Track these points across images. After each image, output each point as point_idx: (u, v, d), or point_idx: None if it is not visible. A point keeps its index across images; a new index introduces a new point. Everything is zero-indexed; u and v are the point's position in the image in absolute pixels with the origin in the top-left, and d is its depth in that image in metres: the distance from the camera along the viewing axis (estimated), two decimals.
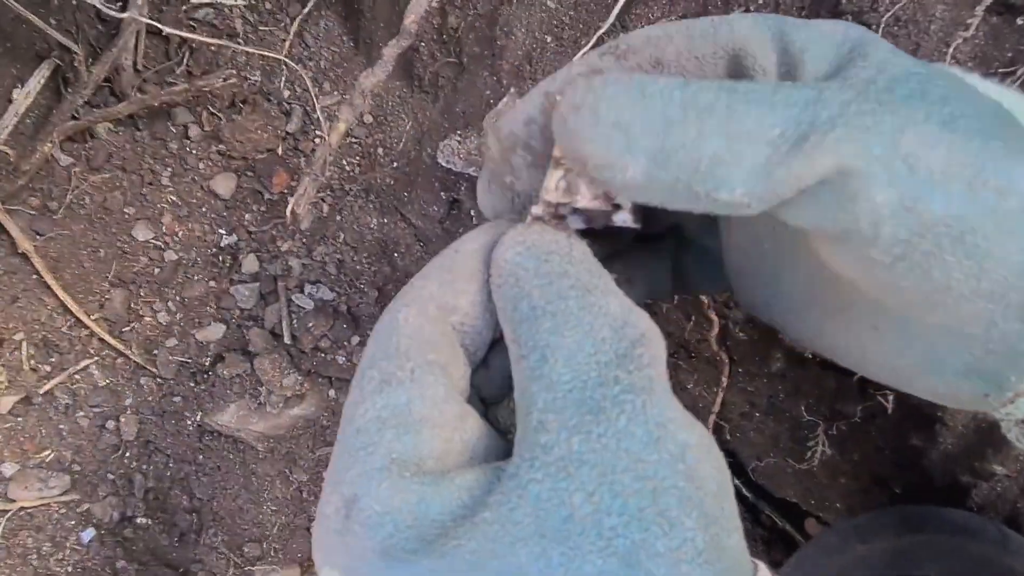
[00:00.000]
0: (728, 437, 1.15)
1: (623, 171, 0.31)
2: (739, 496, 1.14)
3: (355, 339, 1.15)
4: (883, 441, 0.99)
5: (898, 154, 0.26)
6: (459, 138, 0.95)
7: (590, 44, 0.84)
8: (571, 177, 0.38)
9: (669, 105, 0.29)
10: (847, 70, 0.31)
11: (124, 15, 0.84)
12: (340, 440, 0.34)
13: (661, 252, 0.51)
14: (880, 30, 0.76)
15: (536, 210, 0.42)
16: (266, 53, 0.96)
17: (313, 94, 0.92)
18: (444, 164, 0.95)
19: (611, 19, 0.82)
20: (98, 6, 0.81)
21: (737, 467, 1.13)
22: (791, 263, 0.40)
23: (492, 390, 0.42)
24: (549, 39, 0.90)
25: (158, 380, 1.12)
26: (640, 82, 0.30)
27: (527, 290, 0.34)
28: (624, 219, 0.43)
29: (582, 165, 0.32)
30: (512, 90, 0.93)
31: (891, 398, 0.92)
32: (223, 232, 1.12)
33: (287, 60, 0.88)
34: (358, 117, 0.90)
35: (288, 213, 0.96)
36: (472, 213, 1.06)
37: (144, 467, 1.14)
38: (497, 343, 0.41)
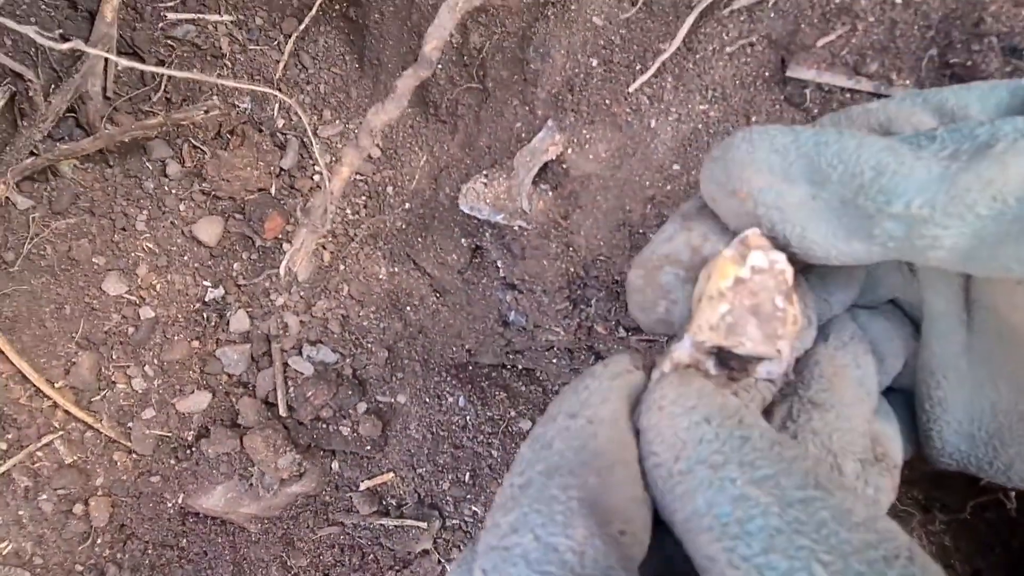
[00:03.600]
0: None
1: (788, 193, 0.30)
2: None
3: (361, 407, 0.99)
4: (994, 539, 0.83)
5: None
6: (485, 180, 0.80)
7: (650, 72, 0.68)
8: (738, 312, 0.32)
9: (822, 132, 0.30)
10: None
11: (82, 46, 0.67)
12: None
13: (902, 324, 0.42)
14: None
15: (682, 352, 0.33)
16: (254, 88, 0.80)
17: (310, 127, 0.76)
18: (468, 211, 0.79)
19: (677, 40, 0.67)
20: (33, 36, 0.64)
21: None
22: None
23: None
24: (595, 63, 0.74)
25: (133, 456, 0.96)
26: (791, 126, 0.31)
27: (739, 486, 0.26)
28: (773, 369, 0.33)
29: (740, 196, 0.31)
30: (550, 123, 0.77)
31: (1013, 495, 0.76)
32: (208, 284, 0.97)
33: (278, 93, 0.72)
34: (364, 159, 0.74)
35: (282, 269, 0.80)
36: (499, 265, 0.90)
37: (119, 556, 0.98)
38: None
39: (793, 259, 0.34)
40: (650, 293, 0.34)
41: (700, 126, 0.70)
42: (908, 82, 0.61)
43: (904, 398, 0.43)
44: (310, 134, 0.72)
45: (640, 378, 0.34)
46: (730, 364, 0.34)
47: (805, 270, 0.38)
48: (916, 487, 0.90)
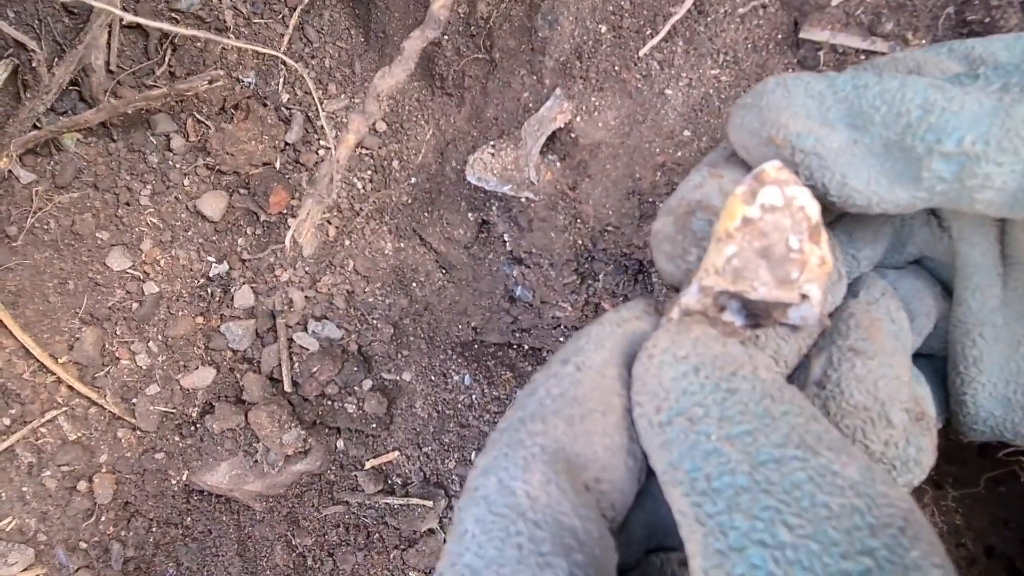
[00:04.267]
0: None
1: (828, 138, 0.29)
2: None
3: (367, 383, 0.98)
4: (1008, 514, 0.82)
5: None
6: (492, 150, 0.79)
7: (660, 35, 0.67)
8: (747, 255, 0.30)
9: (860, 75, 0.29)
10: None
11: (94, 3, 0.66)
12: None
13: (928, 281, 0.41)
14: None
15: (689, 299, 0.31)
16: (259, 49, 0.79)
17: (316, 98, 0.76)
18: (475, 182, 0.78)
19: (688, 2, 0.65)
20: None
21: None
22: None
23: (627, 554, 0.31)
24: (604, 29, 0.73)
25: (137, 433, 0.96)
26: (824, 73, 0.29)
27: (712, 441, 0.25)
28: (807, 314, 0.31)
29: (776, 142, 0.29)
30: (558, 91, 0.76)
31: None
32: (212, 260, 0.96)
33: (285, 58, 0.71)
34: (371, 126, 0.73)
35: (287, 241, 0.79)
36: (506, 239, 0.89)
37: (123, 533, 0.98)
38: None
39: (827, 209, 0.32)
40: (681, 240, 0.32)
41: (711, 91, 0.69)
42: (924, 41, 0.60)
43: (931, 365, 0.42)
44: (316, 101, 0.71)
45: (648, 325, 0.33)
46: (754, 311, 0.32)
47: (831, 224, 0.37)
48: (1004, 442, 0.88)
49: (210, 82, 0.81)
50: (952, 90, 0.27)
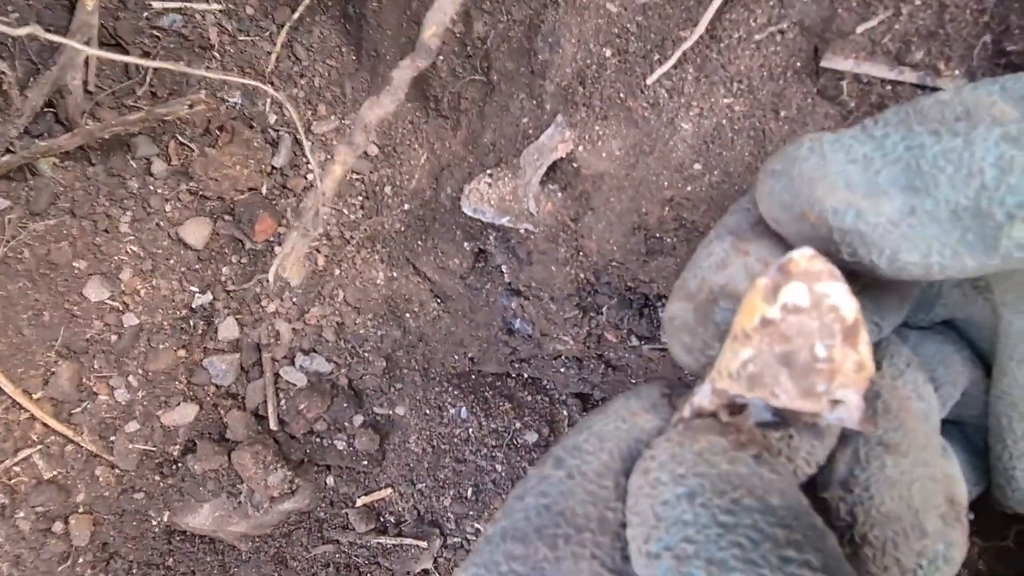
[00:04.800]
0: None
1: (874, 211, 0.25)
2: None
3: (358, 419, 0.94)
4: None
5: None
6: (489, 179, 0.74)
7: (670, 62, 0.62)
8: (765, 360, 0.25)
9: (913, 134, 0.25)
10: None
11: (40, 32, 0.62)
12: None
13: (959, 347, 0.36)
14: None
15: (702, 399, 0.27)
16: (236, 80, 0.74)
17: (300, 124, 0.71)
18: (471, 213, 0.74)
19: (701, 27, 0.61)
20: None
21: None
22: None
23: None
24: (608, 53, 0.69)
25: (116, 472, 0.91)
26: (866, 129, 0.26)
27: None
28: (844, 417, 0.26)
29: (811, 219, 0.26)
30: (560, 119, 0.71)
31: None
32: (195, 290, 0.91)
33: (267, 88, 0.66)
34: (359, 156, 0.69)
35: (271, 275, 0.75)
36: (504, 270, 0.85)
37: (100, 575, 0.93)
38: None
39: (860, 276, 0.28)
40: (702, 333, 0.28)
41: (724, 121, 0.64)
42: (957, 72, 0.56)
43: (960, 432, 0.38)
44: (300, 131, 0.66)
45: (658, 422, 0.29)
46: (783, 412, 0.28)
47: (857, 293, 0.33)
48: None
49: (191, 106, 0.77)
50: None
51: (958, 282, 0.35)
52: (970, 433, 0.38)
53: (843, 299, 0.25)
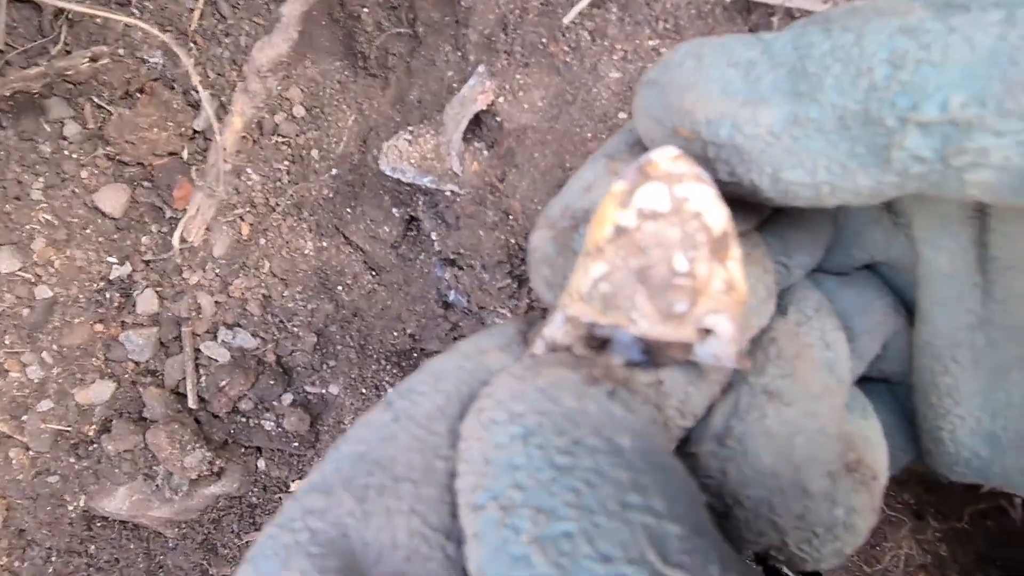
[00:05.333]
0: None
1: (752, 122, 0.21)
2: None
3: (286, 398, 0.89)
4: (994, 551, 0.73)
5: None
6: (409, 137, 0.69)
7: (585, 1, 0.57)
8: (620, 276, 0.22)
9: (803, 32, 0.21)
10: None
11: None
12: None
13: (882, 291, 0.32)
14: None
15: (554, 330, 0.24)
16: (148, 30, 0.69)
17: (206, 81, 0.66)
18: (389, 172, 0.69)
19: None
20: None
21: None
22: None
23: None
24: None
25: (29, 454, 0.86)
26: (757, 35, 0.23)
27: (522, 542, 0.18)
28: (718, 351, 0.23)
29: (681, 134, 0.22)
30: (481, 69, 0.66)
31: (1019, 502, 0.65)
32: (112, 261, 0.86)
33: (166, 38, 0.61)
34: (271, 107, 0.64)
35: (175, 240, 0.70)
36: (434, 236, 0.79)
37: (16, 564, 0.88)
38: None
39: (756, 208, 0.24)
40: (562, 264, 0.25)
41: (650, 65, 0.59)
42: None
43: (890, 392, 0.34)
44: (193, 78, 0.61)
45: (511, 361, 0.25)
46: (651, 347, 0.24)
47: (762, 226, 0.28)
48: (907, 491, 0.79)
49: (92, 60, 0.71)
50: (931, 32, 0.19)
51: (878, 218, 0.31)
52: (901, 394, 0.34)
53: (709, 205, 0.21)
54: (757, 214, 0.26)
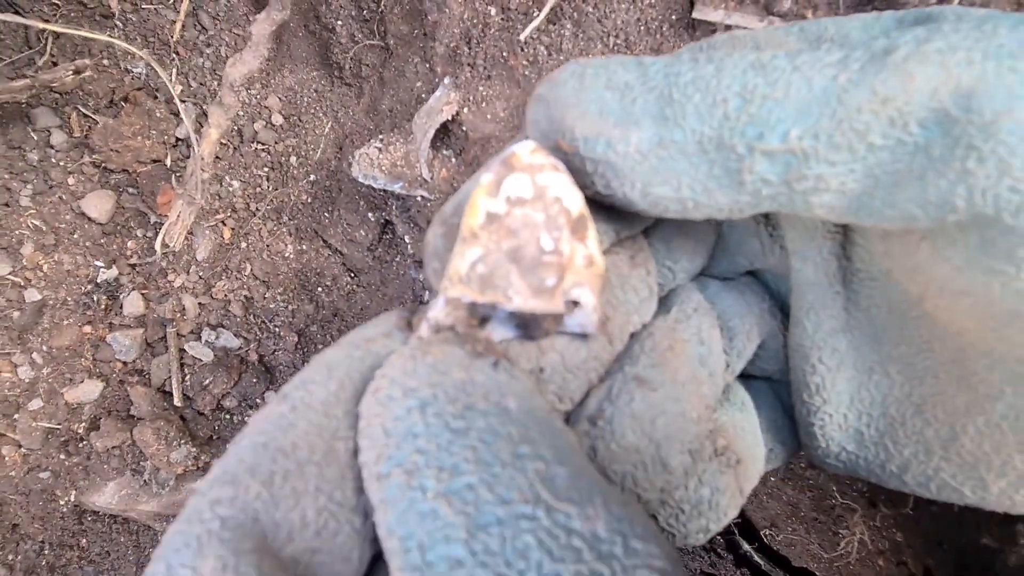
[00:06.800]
0: None
1: (623, 141, 0.23)
2: (748, 564, 0.94)
3: (269, 395, 0.92)
4: (942, 535, 0.76)
5: None
6: (380, 145, 0.72)
7: (541, 16, 0.61)
8: (494, 258, 0.24)
9: (676, 61, 0.23)
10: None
11: None
12: None
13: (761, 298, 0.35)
14: None
15: (437, 312, 0.26)
16: (127, 48, 0.72)
17: (170, 85, 0.69)
18: (361, 179, 0.72)
19: None
20: None
21: (749, 532, 0.93)
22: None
23: None
24: (493, 11, 0.67)
25: (21, 451, 0.89)
26: (640, 58, 0.25)
27: (429, 499, 0.20)
28: (584, 321, 0.26)
29: (563, 148, 0.24)
30: (447, 81, 0.69)
31: None
32: (99, 265, 0.89)
33: (143, 54, 0.64)
34: (251, 115, 0.67)
35: (157, 245, 0.73)
36: (407, 239, 0.83)
37: (10, 557, 0.91)
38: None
39: (638, 215, 0.27)
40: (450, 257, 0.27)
41: None
42: None
43: (768, 389, 0.36)
44: (172, 91, 0.64)
45: (397, 345, 0.27)
46: (525, 320, 0.26)
47: (647, 231, 0.31)
48: (860, 480, 0.83)
49: (76, 72, 0.74)
50: (778, 70, 0.22)
51: (755, 230, 0.33)
52: (782, 392, 0.36)
53: (566, 191, 0.24)
54: (641, 221, 0.29)
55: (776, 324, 0.34)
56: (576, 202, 0.24)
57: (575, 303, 0.25)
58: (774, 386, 0.36)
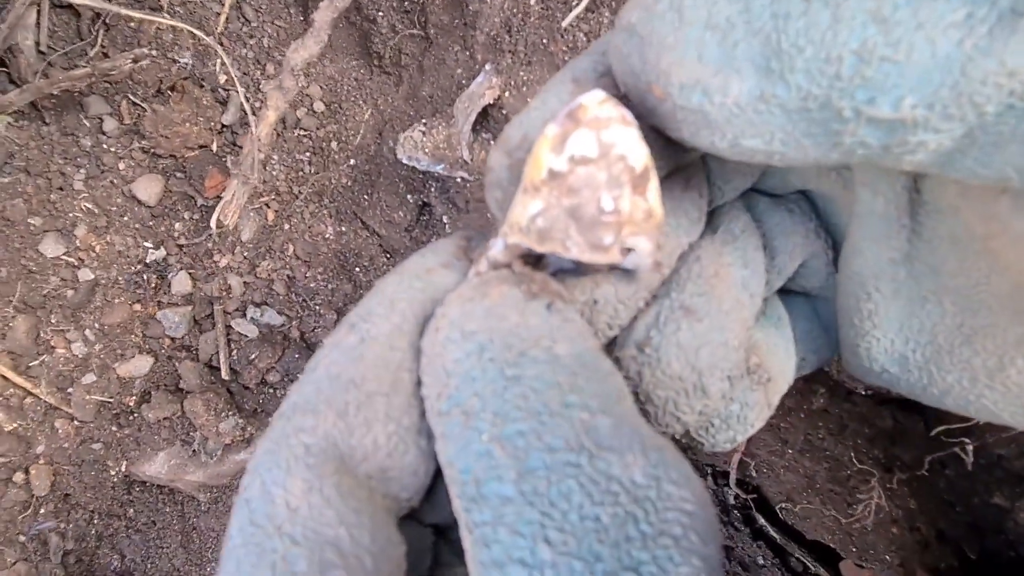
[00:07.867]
0: (754, 474, 0.98)
1: (722, 91, 0.22)
2: (765, 537, 0.97)
3: None
4: (955, 496, 0.80)
5: None
6: (423, 128, 0.77)
7: (582, 5, 0.65)
8: (554, 213, 0.25)
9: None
10: None
11: None
12: None
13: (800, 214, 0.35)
14: None
15: (496, 252, 0.26)
16: (183, 27, 0.76)
17: (237, 79, 0.73)
18: (406, 161, 0.76)
19: None
20: None
21: (764, 505, 0.97)
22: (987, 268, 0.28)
23: (443, 517, 0.28)
24: (532, 1, 0.71)
25: (75, 423, 0.94)
26: None
27: (484, 441, 0.22)
28: (639, 263, 0.26)
29: (655, 93, 0.23)
30: (488, 67, 0.74)
31: (971, 449, 0.73)
32: (149, 246, 0.93)
33: (211, 40, 0.68)
34: (293, 102, 0.71)
35: (213, 223, 0.77)
36: (445, 219, 0.87)
37: (62, 526, 0.96)
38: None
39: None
40: (514, 191, 0.26)
41: None
42: None
43: (805, 302, 0.38)
44: (233, 76, 0.68)
45: (455, 278, 0.28)
46: (581, 264, 0.27)
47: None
48: (875, 446, 0.87)
49: (134, 61, 0.79)
50: (900, 25, 0.20)
51: None
52: (818, 305, 0.38)
53: (632, 147, 0.24)
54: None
55: (820, 244, 0.35)
56: (641, 158, 0.24)
57: (630, 249, 0.26)
58: (809, 300, 0.37)
